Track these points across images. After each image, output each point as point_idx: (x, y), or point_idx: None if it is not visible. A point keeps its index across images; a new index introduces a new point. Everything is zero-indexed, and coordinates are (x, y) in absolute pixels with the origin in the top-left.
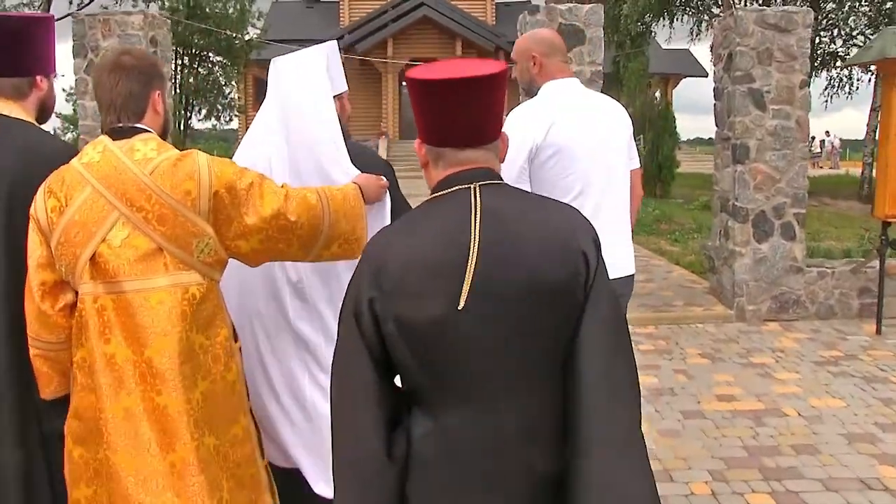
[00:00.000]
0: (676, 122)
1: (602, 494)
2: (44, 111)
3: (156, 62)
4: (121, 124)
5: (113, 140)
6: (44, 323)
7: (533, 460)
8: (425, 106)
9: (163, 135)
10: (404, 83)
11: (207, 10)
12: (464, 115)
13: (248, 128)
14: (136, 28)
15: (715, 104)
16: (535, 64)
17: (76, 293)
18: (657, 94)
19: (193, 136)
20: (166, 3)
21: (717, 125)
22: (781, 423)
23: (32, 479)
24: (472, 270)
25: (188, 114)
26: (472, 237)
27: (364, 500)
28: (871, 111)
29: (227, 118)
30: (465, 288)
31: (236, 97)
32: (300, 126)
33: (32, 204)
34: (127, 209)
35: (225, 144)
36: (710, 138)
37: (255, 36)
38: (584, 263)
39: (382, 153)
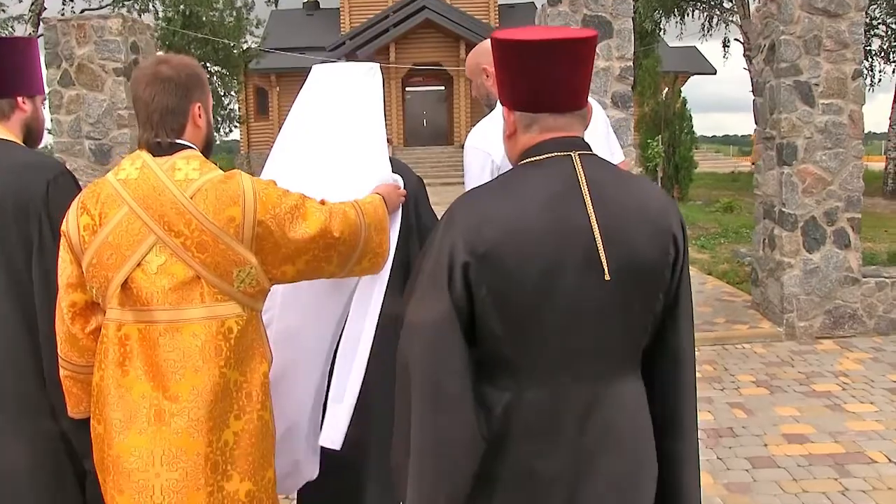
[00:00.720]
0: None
1: (690, 478)
2: (30, 133)
3: (196, 71)
4: (159, 140)
5: (153, 156)
6: (73, 345)
7: (616, 435)
8: (524, 69)
9: (206, 149)
10: (407, 89)
11: (203, 18)
12: (564, 78)
13: (249, 138)
14: (114, 33)
15: (755, 100)
16: (487, 76)
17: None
18: (666, 92)
19: None
20: (160, 13)
21: (757, 123)
22: (870, 473)
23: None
24: (602, 243)
25: None
26: (588, 209)
27: (455, 478)
28: (894, 102)
29: (228, 129)
30: (603, 258)
31: (236, 108)
32: (358, 134)
33: (64, 220)
34: (165, 233)
35: (227, 156)
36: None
37: (253, 45)
38: (674, 245)
39: None
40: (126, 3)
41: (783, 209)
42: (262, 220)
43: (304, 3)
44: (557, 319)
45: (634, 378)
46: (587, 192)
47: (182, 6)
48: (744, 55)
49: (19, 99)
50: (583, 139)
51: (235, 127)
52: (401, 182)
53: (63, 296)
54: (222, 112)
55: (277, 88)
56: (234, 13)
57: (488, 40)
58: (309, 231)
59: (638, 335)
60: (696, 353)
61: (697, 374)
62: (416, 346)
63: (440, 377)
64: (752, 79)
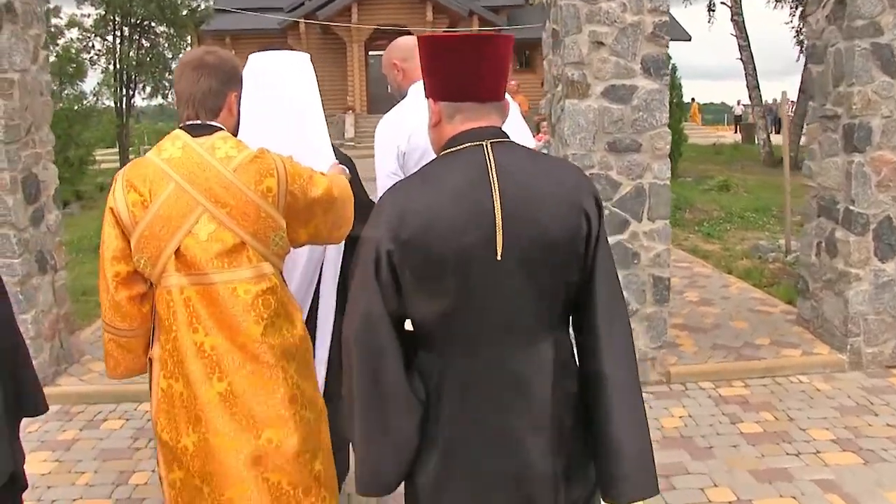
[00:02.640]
0: (682, 90)
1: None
2: None
3: (237, 65)
4: (198, 120)
5: (192, 137)
6: (117, 311)
7: (541, 403)
8: (448, 62)
9: (233, 133)
10: (371, 52)
11: None
12: (485, 72)
13: None
14: None
15: (808, 67)
16: (398, 71)
17: (149, 284)
18: None
19: (137, 116)
20: None
21: (813, 97)
22: None
23: None
24: (500, 223)
25: (130, 91)
26: (493, 193)
27: (398, 448)
28: None
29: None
30: (499, 239)
31: None
32: (305, 124)
33: (111, 197)
34: (212, 205)
35: (173, 123)
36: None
37: (204, 3)
38: (586, 220)
39: (349, 129)
40: None
41: (850, 207)
42: (292, 190)
43: None
44: (473, 297)
45: (551, 339)
46: (495, 178)
47: None
48: (731, 20)
49: None
50: (499, 128)
51: None
52: (346, 169)
53: (108, 267)
54: (169, 77)
55: (233, 51)
56: None
57: (400, 38)
58: (318, 191)
59: (552, 303)
60: (745, 390)
61: (758, 429)
62: (352, 331)
63: (371, 357)
64: (802, 41)
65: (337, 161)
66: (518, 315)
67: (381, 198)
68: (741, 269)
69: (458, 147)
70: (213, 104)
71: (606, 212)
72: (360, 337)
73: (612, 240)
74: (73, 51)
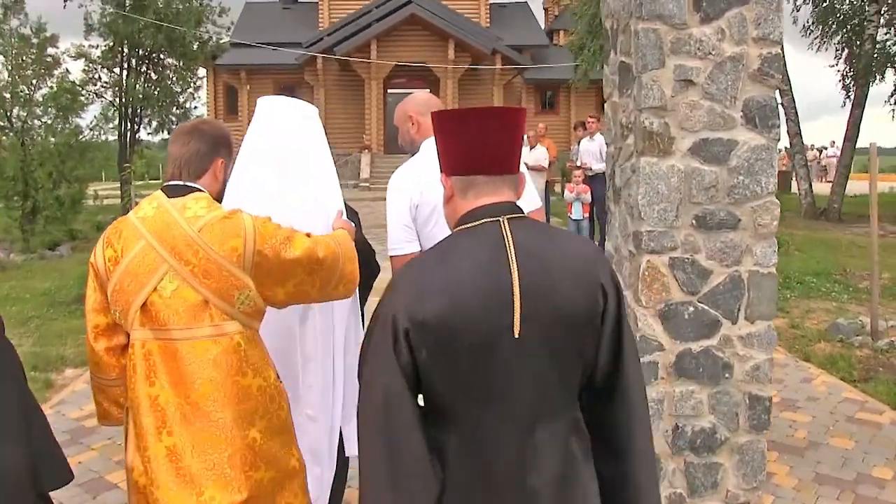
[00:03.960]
0: None
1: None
2: None
3: (228, 136)
4: (178, 181)
5: (168, 197)
6: (96, 362)
7: (562, 476)
8: (460, 135)
9: (217, 199)
10: (390, 91)
11: (160, 2)
12: (497, 145)
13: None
14: None
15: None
16: (413, 123)
17: (128, 336)
18: None
19: (141, 151)
20: None
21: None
22: None
23: None
24: (519, 302)
25: (135, 126)
26: (512, 271)
27: None
28: None
29: None
30: (517, 319)
31: (194, 106)
32: (318, 172)
33: (92, 253)
34: (177, 263)
35: None
36: None
37: (216, 35)
38: (603, 295)
39: (365, 169)
40: None
41: None
42: (261, 250)
43: None
44: (492, 376)
45: (569, 416)
46: (513, 256)
47: None
48: None
49: None
50: (513, 204)
51: None
52: (353, 224)
53: (89, 318)
54: (177, 112)
55: (248, 86)
56: None
57: (418, 92)
58: (296, 252)
59: (569, 380)
60: None
61: None
62: (370, 407)
63: (393, 435)
64: (848, 85)
65: (342, 211)
66: (537, 394)
67: (395, 273)
68: (821, 356)
69: (475, 223)
70: (197, 166)
71: (690, 308)
72: (381, 415)
73: (696, 346)
74: (77, 83)
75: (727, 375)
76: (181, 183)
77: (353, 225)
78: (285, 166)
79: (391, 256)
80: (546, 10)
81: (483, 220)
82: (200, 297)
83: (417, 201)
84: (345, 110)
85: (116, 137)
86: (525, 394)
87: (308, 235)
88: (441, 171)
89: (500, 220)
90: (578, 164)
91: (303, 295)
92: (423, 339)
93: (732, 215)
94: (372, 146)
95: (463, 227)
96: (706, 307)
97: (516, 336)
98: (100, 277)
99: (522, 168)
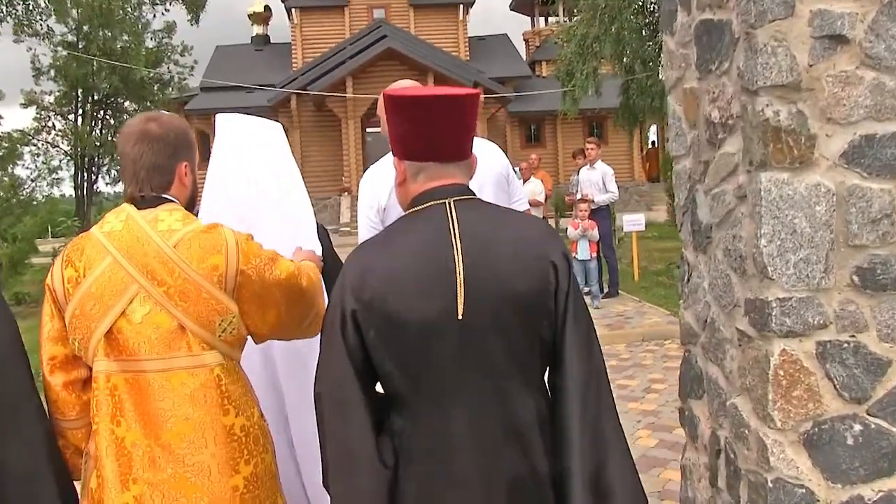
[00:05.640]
0: None
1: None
2: None
3: (184, 130)
4: (143, 194)
5: (137, 209)
6: (53, 399)
7: (512, 461)
8: (413, 121)
9: (189, 205)
10: (368, 129)
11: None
12: (448, 131)
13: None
14: None
15: None
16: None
17: (89, 369)
18: None
19: (101, 204)
20: (56, 35)
21: None
22: None
23: None
24: (462, 282)
25: (92, 175)
26: (455, 252)
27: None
28: None
29: None
30: (460, 299)
31: None
32: (281, 194)
33: (48, 274)
34: (148, 283)
35: None
36: None
37: (179, 76)
38: (555, 273)
39: (345, 213)
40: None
41: None
42: (244, 270)
43: (252, 37)
44: (437, 355)
45: (526, 397)
46: (457, 236)
47: (86, 26)
48: None
49: None
50: (464, 186)
51: None
52: (319, 249)
53: (44, 349)
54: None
55: None
56: (152, 37)
57: (398, 82)
58: (280, 275)
59: (521, 358)
60: None
61: None
62: (320, 390)
63: (334, 415)
64: None
65: (316, 235)
66: (487, 373)
67: (348, 256)
68: None
69: (422, 206)
70: (159, 181)
71: (856, 427)
72: (328, 397)
73: (871, 491)
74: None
75: None
76: (149, 195)
77: (319, 255)
78: (260, 184)
79: None
80: (527, 41)
81: (430, 203)
82: (176, 323)
83: (385, 204)
84: (322, 152)
85: (74, 189)
86: (473, 375)
87: (291, 261)
88: (393, 154)
89: (447, 202)
90: (578, 195)
91: (284, 329)
92: (369, 319)
93: None
94: (352, 188)
95: (411, 209)
96: (883, 423)
97: (460, 318)
98: (57, 302)
99: (489, 146)
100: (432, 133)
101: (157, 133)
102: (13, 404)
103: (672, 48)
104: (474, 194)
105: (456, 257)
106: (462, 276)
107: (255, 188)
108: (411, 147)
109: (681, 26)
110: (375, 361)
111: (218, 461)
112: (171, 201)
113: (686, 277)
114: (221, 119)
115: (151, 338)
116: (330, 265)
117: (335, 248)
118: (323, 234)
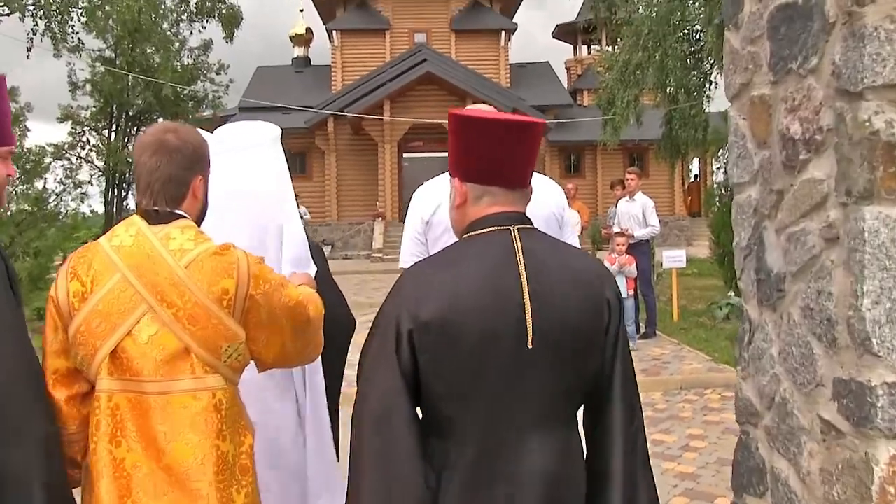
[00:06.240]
0: None
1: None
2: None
3: (201, 143)
4: (157, 208)
5: (148, 224)
6: (57, 412)
7: (556, 493)
8: (483, 143)
9: (199, 220)
10: (405, 155)
11: (156, 59)
12: (517, 157)
13: None
14: None
15: None
16: None
17: (90, 382)
18: None
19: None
20: (91, 50)
21: None
22: None
23: None
24: (531, 312)
25: (122, 192)
26: (521, 279)
27: None
28: None
29: None
30: (529, 326)
31: None
32: (277, 208)
33: (53, 286)
34: (157, 304)
35: None
36: None
37: (213, 94)
38: (608, 311)
39: (378, 238)
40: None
41: None
42: (253, 295)
43: (293, 59)
44: (492, 382)
45: (566, 429)
46: (522, 264)
47: (125, 42)
48: None
49: None
50: (524, 214)
51: None
52: (313, 271)
53: (47, 362)
54: None
55: None
56: (189, 55)
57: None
58: (289, 302)
59: (571, 392)
60: None
61: None
62: (366, 409)
63: (387, 437)
64: None
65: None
66: (538, 403)
67: (401, 276)
68: None
69: (484, 230)
70: (174, 193)
71: None
72: (377, 415)
73: None
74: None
75: None
76: (162, 210)
77: (312, 278)
78: (263, 202)
79: (401, 269)
80: (569, 69)
81: (493, 228)
82: (182, 346)
83: (429, 219)
84: (357, 176)
85: (102, 205)
86: (527, 404)
87: (297, 288)
88: (452, 175)
89: (511, 228)
90: (616, 228)
91: (286, 358)
92: (426, 340)
93: None
94: (386, 214)
95: (473, 233)
96: None
97: (529, 347)
98: (62, 315)
99: (547, 182)
100: (503, 157)
101: (175, 144)
102: (17, 427)
103: (736, 46)
104: (532, 223)
105: (522, 283)
106: (530, 302)
107: (238, 203)
108: (477, 169)
109: (748, 17)
110: (425, 383)
111: (215, 488)
112: (184, 217)
113: (747, 339)
114: (220, 131)
115: (156, 359)
116: (324, 289)
117: (368, 274)
118: (318, 254)
